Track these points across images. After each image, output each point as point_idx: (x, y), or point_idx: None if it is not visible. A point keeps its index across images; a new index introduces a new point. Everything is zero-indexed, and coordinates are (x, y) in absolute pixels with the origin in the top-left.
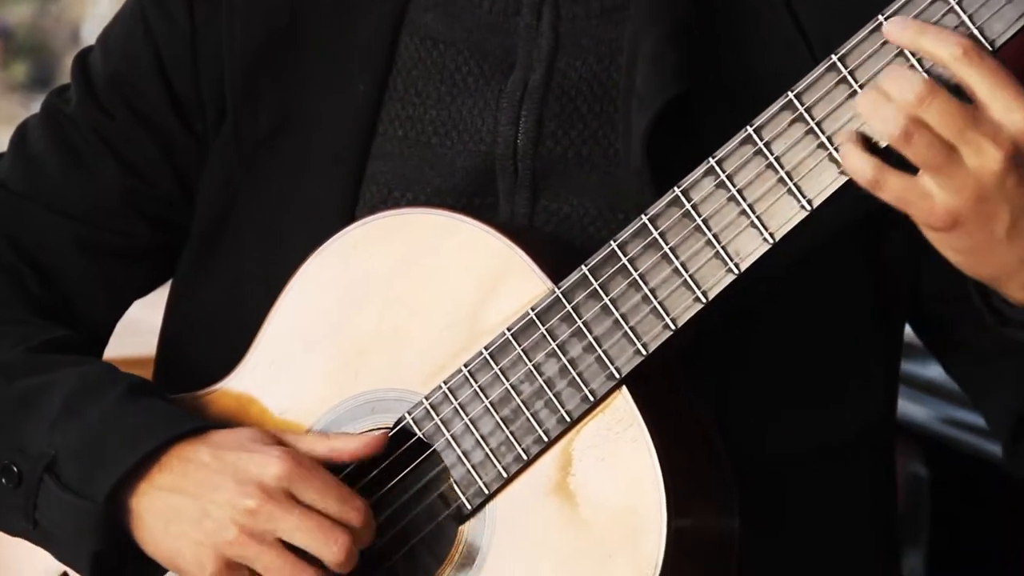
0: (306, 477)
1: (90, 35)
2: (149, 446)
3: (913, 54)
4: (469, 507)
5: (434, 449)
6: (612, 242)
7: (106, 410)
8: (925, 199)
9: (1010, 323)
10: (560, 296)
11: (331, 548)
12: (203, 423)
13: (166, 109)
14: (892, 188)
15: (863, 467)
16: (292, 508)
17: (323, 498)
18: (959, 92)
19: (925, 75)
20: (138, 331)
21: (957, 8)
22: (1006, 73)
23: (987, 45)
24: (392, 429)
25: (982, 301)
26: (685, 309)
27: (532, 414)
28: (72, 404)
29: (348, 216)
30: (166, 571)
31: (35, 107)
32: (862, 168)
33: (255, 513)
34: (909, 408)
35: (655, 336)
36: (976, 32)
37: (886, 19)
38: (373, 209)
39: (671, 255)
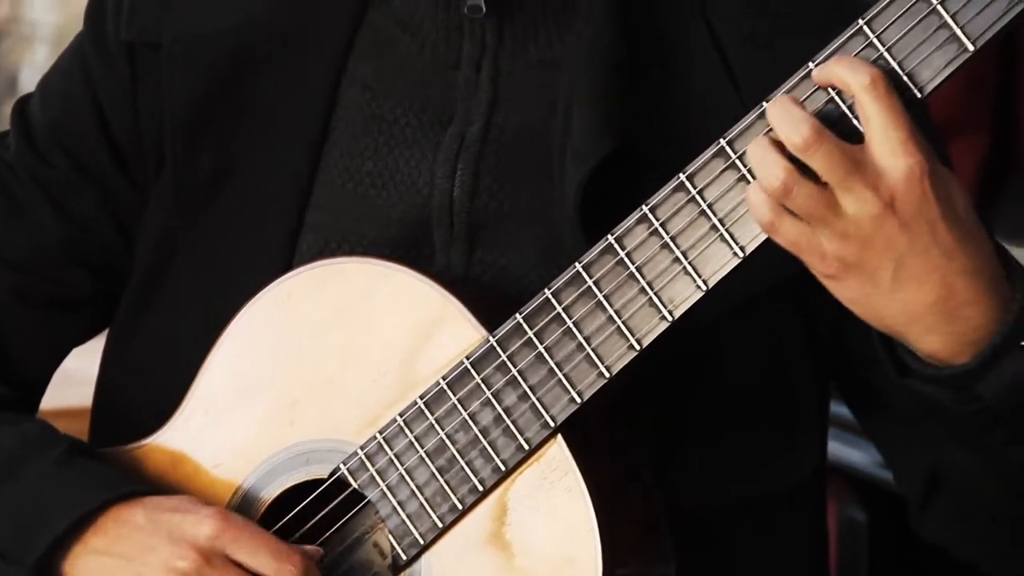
0: (239, 537)
1: (28, 83)
2: (83, 509)
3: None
4: (404, 558)
5: (369, 500)
6: (546, 290)
7: (42, 472)
8: (816, 246)
9: (912, 375)
10: (494, 344)
11: None
12: (139, 487)
13: (105, 157)
14: (787, 232)
15: (800, 515)
16: (226, 569)
17: (256, 557)
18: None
19: (813, 120)
20: (74, 381)
21: (886, 55)
22: (904, 117)
23: (916, 92)
24: (327, 480)
25: (885, 352)
26: (619, 357)
27: (467, 463)
28: (7, 465)
29: (285, 266)
30: None
31: None
32: (761, 209)
33: (189, 574)
34: (846, 452)
35: (590, 384)
36: (905, 78)
37: (816, 66)
38: (310, 259)
39: (605, 303)
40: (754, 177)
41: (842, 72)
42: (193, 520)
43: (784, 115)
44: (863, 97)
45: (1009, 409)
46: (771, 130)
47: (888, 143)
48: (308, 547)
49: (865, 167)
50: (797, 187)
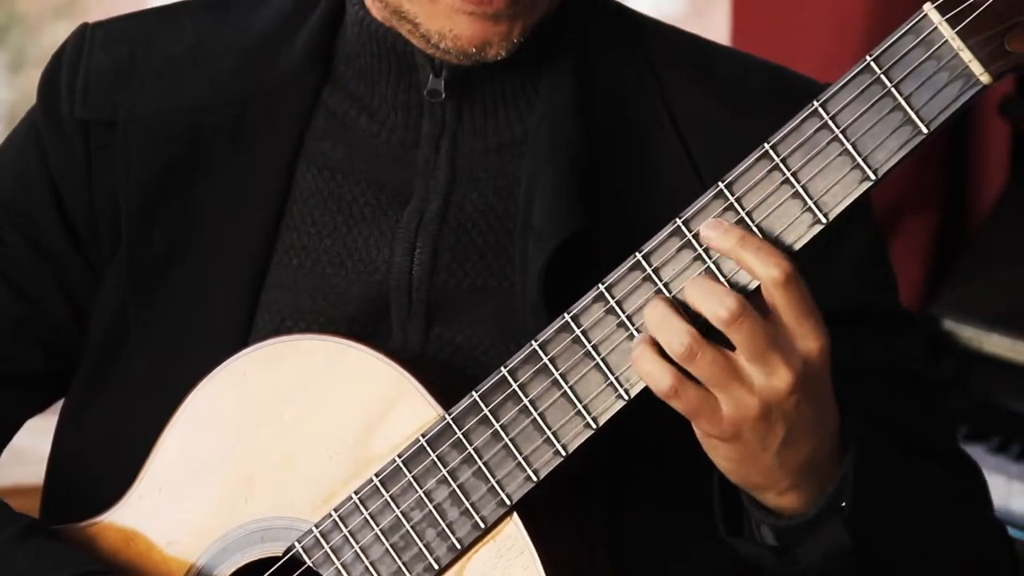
0: None
1: None
2: None
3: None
4: None
5: None
6: (503, 368)
7: None
8: (715, 411)
9: (738, 535)
10: (450, 422)
11: None
12: (94, 566)
13: (60, 236)
14: (690, 399)
15: None
16: None
17: None
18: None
19: (737, 295)
20: (24, 460)
21: (841, 136)
22: (812, 303)
23: (871, 174)
24: (282, 558)
25: (720, 508)
26: (576, 435)
27: (423, 542)
28: None
29: (240, 344)
30: None
31: None
32: (661, 376)
33: None
34: None
35: (546, 462)
36: (860, 161)
37: (771, 147)
38: (265, 337)
39: (561, 381)
40: (710, 256)
41: (750, 259)
42: None
43: (708, 292)
44: (775, 292)
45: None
46: (674, 295)
47: (802, 329)
48: None
49: (780, 343)
50: (702, 352)
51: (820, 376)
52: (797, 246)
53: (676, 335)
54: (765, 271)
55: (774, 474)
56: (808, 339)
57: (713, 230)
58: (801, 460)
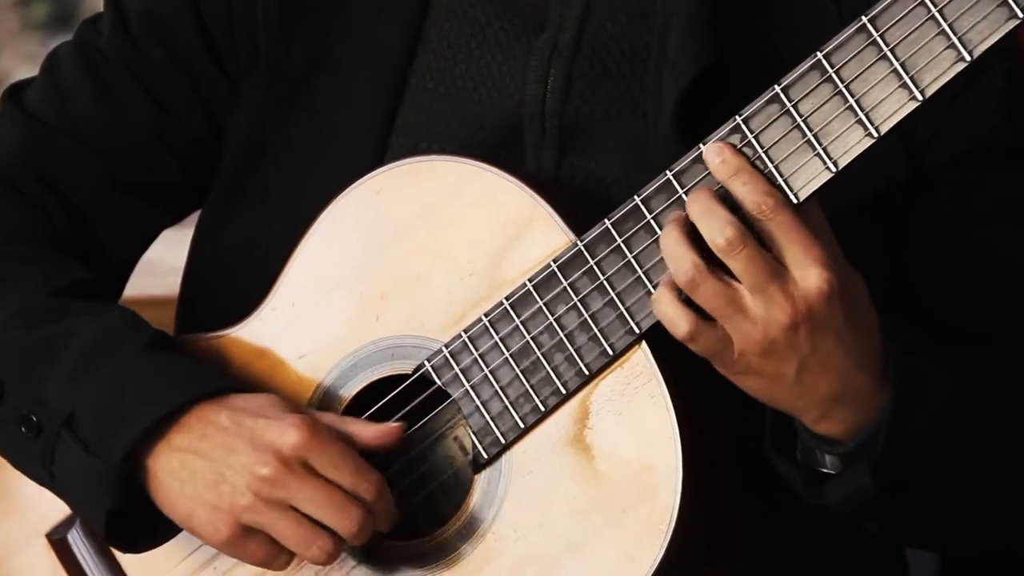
0: (322, 448)
1: None
2: (167, 408)
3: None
4: (486, 456)
5: (453, 398)
6: (636, 197)
7: (125, 365)
8: (727, 352)
9: (774, 450)
10: (583, 249)
11: (344, 522)
12: (224, 384)
13: (199, 48)
14: (706, 340)
15: None
16: (306, 479)
17: (337, 470)
18: None
19: (736, 222)
20: (156, 271)
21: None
22: (805, 231)
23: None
24: (411, 376)
25: (771, 421)
26: None
27: (551, 367)
28: (91, 357)
29: (376, 164)
30: (181, 529)
31: (54, 46)
32: (679, 322)
33: (270, 481)
34: None
35: None
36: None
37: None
38: (401, 158)
39: None
40: (851, 92)
41: (739, 189)
42: (279, 428)
43: (707, 213)
44: (763, 219)
45: (845, 512)
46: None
47: (794, 258)
48: (392, 423)
49: (783, 275)
50: (704, 283)
51: (828, 312)
52: (936, 86)
53: (682, 264)
54: (752, 199)
55: (800, 401)
56: (802, 268)
57: (715, 155)
58: (825, 392)
